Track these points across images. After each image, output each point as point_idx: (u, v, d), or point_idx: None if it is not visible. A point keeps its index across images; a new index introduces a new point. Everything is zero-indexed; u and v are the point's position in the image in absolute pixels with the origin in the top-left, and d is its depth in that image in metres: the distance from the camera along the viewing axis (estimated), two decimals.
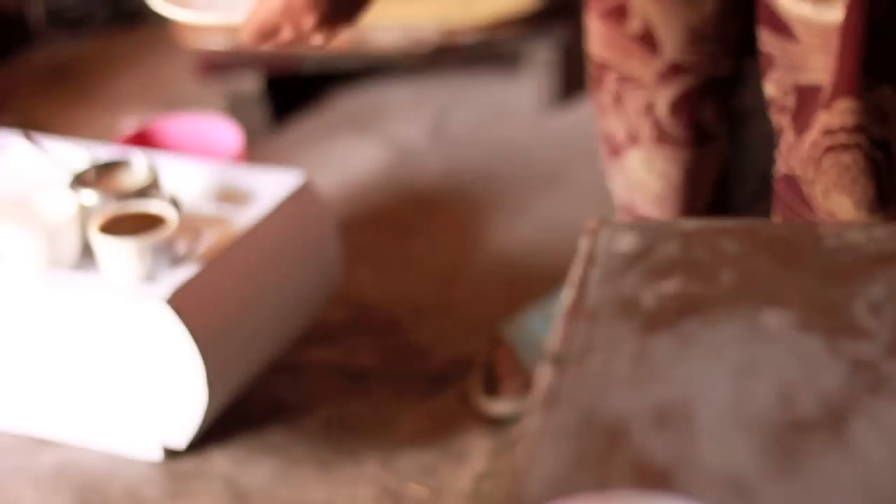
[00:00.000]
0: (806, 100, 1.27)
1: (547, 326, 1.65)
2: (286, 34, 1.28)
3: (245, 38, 1.30)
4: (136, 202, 1.53)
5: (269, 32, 1.28)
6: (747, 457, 0.66)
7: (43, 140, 1.72)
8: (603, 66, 1.44)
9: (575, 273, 0.81)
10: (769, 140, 1.36)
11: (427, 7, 2.17)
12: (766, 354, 0.72)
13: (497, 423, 1.63)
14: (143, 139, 1.98)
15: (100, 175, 1.59)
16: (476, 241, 1.98)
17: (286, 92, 2.32)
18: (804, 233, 0.86)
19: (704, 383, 0.71)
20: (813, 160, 1.28)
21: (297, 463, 1.59)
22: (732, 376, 0.71)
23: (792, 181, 1.32)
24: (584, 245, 0.83)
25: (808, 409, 0.68)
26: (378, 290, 1.87)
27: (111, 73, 2.46)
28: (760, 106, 1.36)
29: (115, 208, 1.52)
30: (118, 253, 1.47)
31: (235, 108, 2.23)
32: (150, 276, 1.47)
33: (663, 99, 1.42)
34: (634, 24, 1.38)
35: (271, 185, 1.62)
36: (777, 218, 1.36)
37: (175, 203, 1.54)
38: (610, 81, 1.44)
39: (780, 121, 1.31)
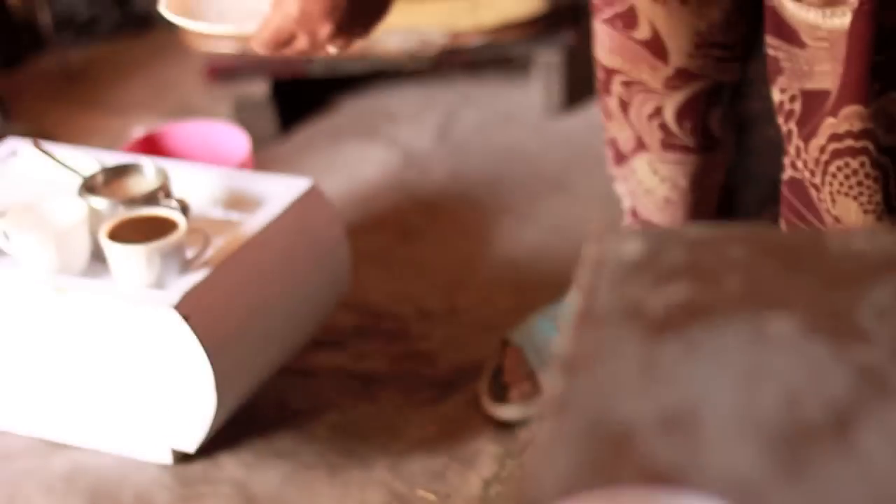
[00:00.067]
0: (812, 105, 1.27)
1: (554, 331, 1.65)
2: (301, 43, 1.28)
3: (259, 47, 1.30)
4: (145, 208, 1.53)
5: (283, 41, 1.28)
6: (754, 462, 0.66)
7: (52, 146, 1.73)
8: (610, 72, 1.44)
9: (583, 279, 0.81)
10: (777, 145, 1.36)
11: (433, 12, 2.18)
12: (772, 360, 0.73)
13: (505, 428, 1.63)
14: (151, 145, 1.98)
15: (109, 181, 1.60)
16: (483, 245, 1.98)
17: (293, 96, 2.32)
18: (810, 239, 0.86)
19: (711, 389, 0.71)
20: (820, 165, 1.28)
21: (306, 467, 1.59)
22: (739, 382, 0.72)
23: (799, 186, 1.32)
24: (591, 251, 0.83)
25: (814, 414, 0.68)
26: (385, 294, 1.87)
27: (120, 79, 2.47)
28: (768, 111, 1.36)
29: (124, 214, 1.52)
30: (127, 258, 1.47)
31: (243, 113, 2.24)
32: (159, 282, 1.48)
33: (670, 105, 1.43)
34: (642, 30, 1.38)
35: (279, 191, 1.63)
36: (784, 223, 1.37)
37: (184, 208, 1.55)
38: (617, 87, 1.45)
39: (787, 126, 1.31)
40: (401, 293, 1.88)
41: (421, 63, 2.23)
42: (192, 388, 1.48)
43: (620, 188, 1.53)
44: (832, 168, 1.27)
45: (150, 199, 1.55)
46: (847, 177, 1.27)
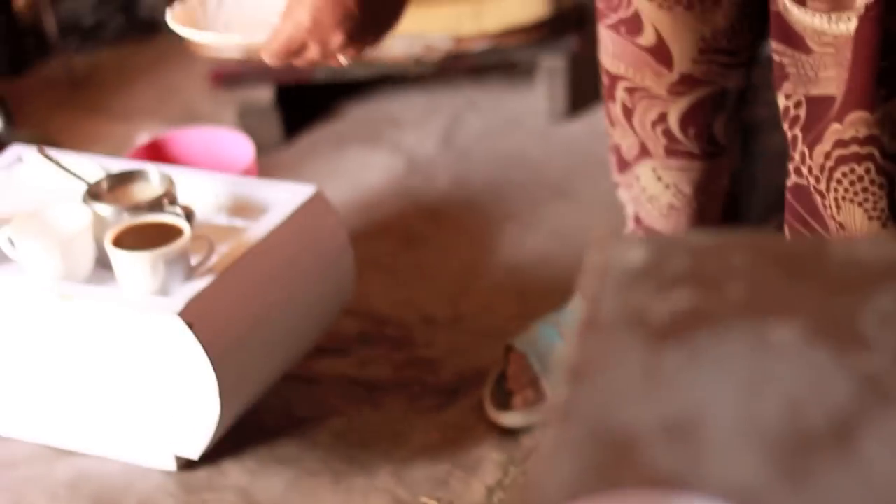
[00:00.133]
0: (818, 111, 1.27)
1: (557, 338, 1.65)
2: (312, 52, 1.27)
3: (268, 58, 1.29)
4: (150, 214, 1.54)
5: (294, 51, 1.27)
6: (756, 469, 0.66)
7: (56, 153, 1.73)
8: (614, 78, 1.44)
9: (587, 287, 0.81)
10: (783, 152, 1.36)
11: (438, 17, 2.18)
12: (775, 367, 0.73)
13: (509, 435, 1.63)
14: (155, 151, 1.99)
15: (113, 187, 1.60)
16: (487, 251, 1.98)
17: (298, 102, 2.33)
18: (813, 246, 0.86)
19: (714, 396, 0.71)
20: (825, 171, 1.28)
21: (309, 474, 1.59)
22: (742, 389, 0.72)
23: (803, 192, 1.32)
24: (594, 258, 0.83)
25: (817, 422, 0.68)
26: (389, 301, 1.87)
27: (124, 85, 2.47)
28: (774, 118, 1.36)
29: (128, 220, 1.53)
30: (131, 265, 1.48)
31: (247, 119, 2.24)
32: (164, 289, 1.48)
33: (675, 111, 1.43)
34: (646, 36, 1.38)
35: (284, 197, 1.63)
36: (788, 229, 1.37)
37: (188, 215, 1.55)
38: (620, 93, 1.45)
39: (792, 132, 1.31)
40: (404, 300, 1.88)
41: (425, 68, 2.23)
42: (196, 394, 1.48)
43: (624, 195, 1.53)
44: (837, 174, 1.27)
45: (155, 205, 1.55)
46: (852, 183, 1.27)
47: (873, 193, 1.27)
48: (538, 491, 0.67)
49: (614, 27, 1.41)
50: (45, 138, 2.04)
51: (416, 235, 2.03)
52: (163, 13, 2.68)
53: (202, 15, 1.38)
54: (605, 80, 1.47)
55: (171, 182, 1.59)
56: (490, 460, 1.60)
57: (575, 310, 1.62)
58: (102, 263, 1.54)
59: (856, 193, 1.27)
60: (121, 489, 1.58)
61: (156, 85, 2.47)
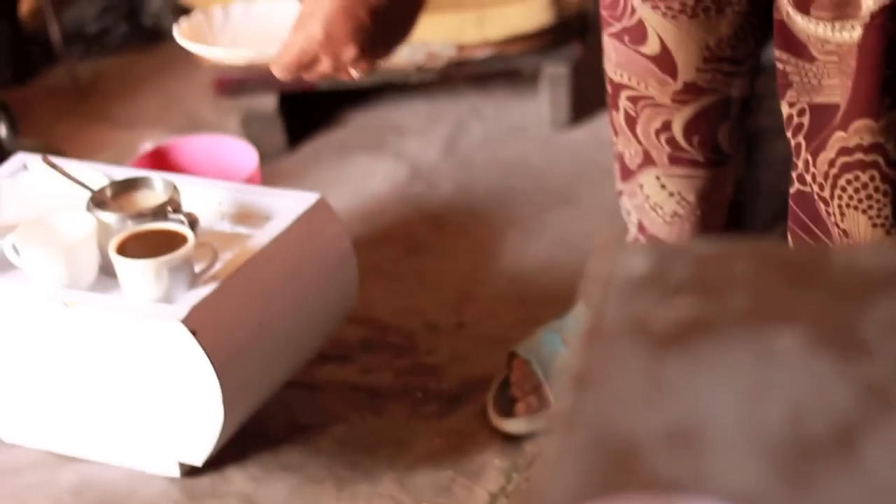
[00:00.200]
0: (821, 119, 1.28)
1: (560, 344, 1.66)
2: (324, 66, 1.25)
3: (279, 71, 1.27)
4: (154, 222, 1.54)
5: (306, 64, 1.25)
6: (758, 477, 0.66)
7: (61, 161, 1.73)
8: (618, 86, 1.44)
9: (591, 296, 0.81)
10: (787, 160, 1.36)
11: (441, 25, 2.18)
12: (777, 375, 0.73)
13: (512, 442, 1.63)
14: (159, 159, 1.99)
15: (117, 195, 1.61)
16: (490, 258, 1.98)
17: (301, 110, 2.33)
18: (816, 254, 0.86)
19: (716, 403, 0.72)
20: (829, 179, 1.29)
21: (313, 481, 1.59)
22: (744, 397, 0.72)
23: (807, 199, 1.33)
24: (598, 266, 0.84)
25: (819, 429, 0.69)
26: (392, 308, 1.88)
27: (128, 93, 2.48)
28: (778, 126, 1.36)
29: (132, 228, 1.53)
30: (135, 273, 1.48)
31: (251, 127, 2.25)
32: (168, 296, 1.48)
33: (679, 119, 1.43)
34: (650, 45, 1.38)
35: (287, 205, 1.64)
36: (791, 236, 1.37)
37: (192, 223, 1.55)
38: (625, 101, 1.44)
39: (796, 140, 1.31)
40: (408, 307, 1.88)
41: (428, 76, 2.24)
42: (199, 401, 1.48)
43: (627, 203, 1.53)
44: (842, 181, 1.27)
45: (159, 213, 1.55)
46: (857, 190, 1.27)
47: (877, 201, 1.27)
48: (541, 498, 0.67)
49: (618, 36, 1.41)
50: (49, 146, 2.05)
51: (419, 242, 2.03)
52: (166, 21, 2.69)
53: (208, 30, 1.38)
54: (608, 88, 1.46)
55: (174, 190, 1.59)
56: (493, 467, 1.60)
57: (578, 317, 1.63)
58: (106, 271, 1.55)
59: (860, 201, 1.28)
60: (124, 496, 1.58)
61: (159, 93, 2.47)
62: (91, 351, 1.51)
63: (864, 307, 0.77)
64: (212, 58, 1.39)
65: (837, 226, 1.30)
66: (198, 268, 1.51)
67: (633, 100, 1.43)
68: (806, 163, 1.31)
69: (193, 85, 2.46)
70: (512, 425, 1.64)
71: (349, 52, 1.23)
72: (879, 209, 1.28)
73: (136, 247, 1.50)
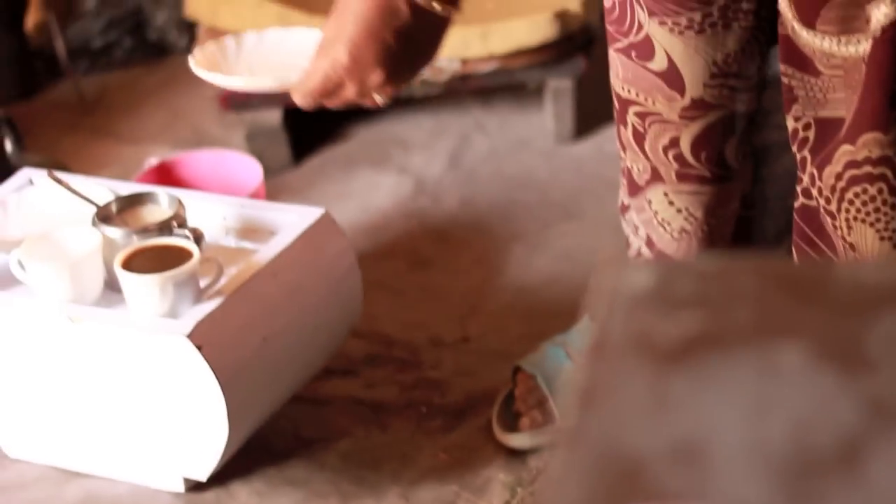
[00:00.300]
0: (826, 133, 1.28)
1: (565, 359, 1.65)
2: (349, 92, 1.21)
3: (301, 99, 1.23)
4: (159, 237, 1.54)
5: (330, 91, 1.21)
6: (763, 493, 0.66)
7: (66, 176, 1.74)
8: (626, 102, 1.44)
9: (596, 311, 0.82)
10: (794, 174, 1.36)
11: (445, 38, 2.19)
12: (781, 391, 0.73)
13: (517, 457, 1.63)
14: (164, 174, 1.99)
15: (122, 210, 1.61)
16: (494, 272, 1.99)
17: (306, 125, 2.33)
18: (820, 269, 0.87)
19: (721, 419, 0.72)
20: (836, 192, 1.29)
21: (318, 495, 1.59)
22: (748, 412, 0.72)
23: (812, 213, 1.33)
24: (604, 282, 0.84)
25: (823, 445, 0.69)
26: (397, 322, 1.88)
27: (134, 108, 2.48)
28: (785, 141, 1.36)
29: (137, 243, 1.53)
30: (141, 288, 1.48)
31: (256, 141, 2.25)
32: (173, 311, 1.48)
33: (687, 135, 1.42)
34: (658, 61, 1.38)
35: (292, 219, 1.64)
36: (796, 249, 1.37)
37: (197, 238, 1.56)
38: (633, 117, 1.44)
39: (801, 154, 1.32)
40: (412, 321, 1.88)
41: (432, 90, 2.24)
42: (204, 416, 1.48)
43: (635, 218, 1.53)
44: (849, 194, 1.28)
45: (164, 228, 1.56)
46: (864, 203, 1.27)
47: (885, 214, 1.27)
48: None
49: (625, 51, 1.40)
50: (54, 161, 2.05)
51: (423, 257, 2.03)
52: (171, 36, 2.69)
53: (222, 59, 1.36)
54: (616, 104, 1.46)
55: (180, 204, 1.60)
56: (498, 482, 1.60)
57: (583, 331, 1.63)
58: (112, 286, 1.55)
59: (867, 214, 1.28)
60: None
61: (165, 107, 2.47)
62: (96, 366, 1.52)
63: (869, 322, 0.77)
64: (230, 87, 1.37)
65: (844, 239, 1.30)
66: (203, 283, 1.51)
67: (642, 116, 1.43)
68: (811, 176, 1.31)
69: (198, 100, 2.47)
70: (516, 440, 1.64)
71: (375, 76, 1.20)
72: (887, 222, 1.28)
73: (141, 262, 1.50)
